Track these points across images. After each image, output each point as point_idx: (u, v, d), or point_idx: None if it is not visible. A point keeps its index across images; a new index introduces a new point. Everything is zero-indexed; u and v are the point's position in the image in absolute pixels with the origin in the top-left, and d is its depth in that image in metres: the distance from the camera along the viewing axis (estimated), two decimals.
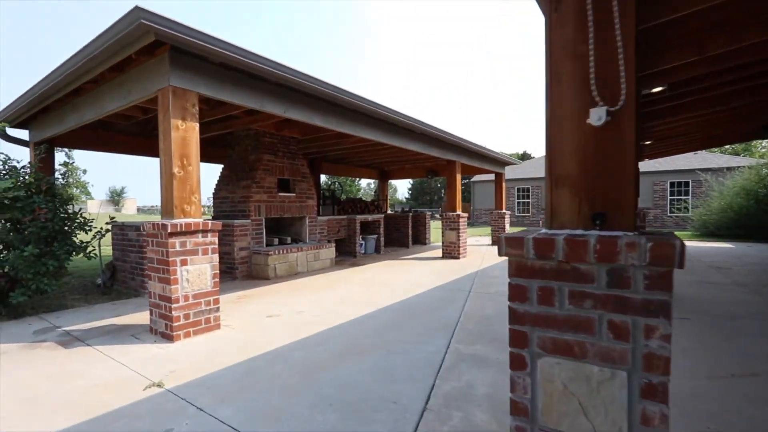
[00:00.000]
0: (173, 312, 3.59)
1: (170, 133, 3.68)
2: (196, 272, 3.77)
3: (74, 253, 4.68)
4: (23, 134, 6.52)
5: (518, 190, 24.16)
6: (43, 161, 6.47)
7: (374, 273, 7.33)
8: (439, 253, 10.26)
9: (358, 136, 6.26)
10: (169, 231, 3.54)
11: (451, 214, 9.29)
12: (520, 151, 51.82)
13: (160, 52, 3.73)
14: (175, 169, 3.70)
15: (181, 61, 3.74)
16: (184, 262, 3.67)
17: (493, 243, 12.61)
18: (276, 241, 7.55)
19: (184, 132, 3.77)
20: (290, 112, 4.97)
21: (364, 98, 5.52)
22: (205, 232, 3.85)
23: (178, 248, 3.63)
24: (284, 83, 4.57)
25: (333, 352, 3.31)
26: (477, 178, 26.16)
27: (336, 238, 9.45)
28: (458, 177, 9.48)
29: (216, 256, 3.96)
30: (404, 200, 52.19)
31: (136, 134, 7.61)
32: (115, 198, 57.62)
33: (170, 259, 3.57)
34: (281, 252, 6.90)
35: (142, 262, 5.53)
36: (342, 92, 5.11)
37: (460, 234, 9.25)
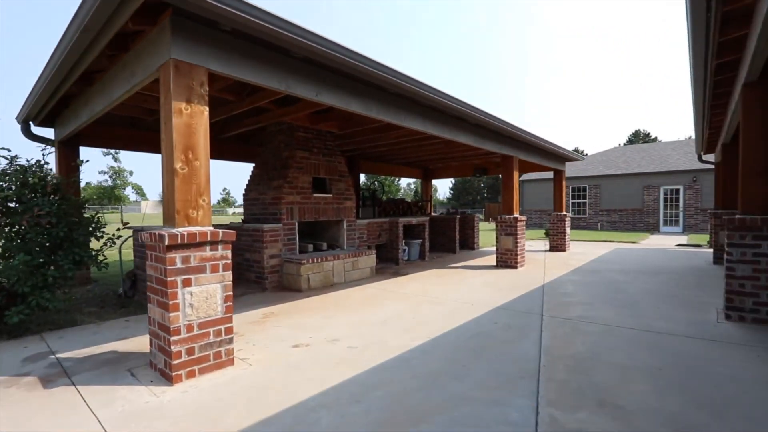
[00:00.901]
0: (172, 346, 2.82)
1: (171, 119, 2.92)
2: (202, 295, 2.99)
3: (81, 262, 4.10)
4: (49, 133, 6.20)
5: (572, 189, 22.12)
6: (64, 160, 6.11)
7: (421, 285, 6.34)
8: (491, 260, 9.07)
9: (403, 126, 5.31)
10: (167, 243, 2.78)
11: (507, 217, 8.10)
12: (570, 148, 48.54)
13: (162, 19, 3.00)
14: (178, 165, 2.94)
15: (186, 28, 2.97)
16: (186, 283, 2.90)
17: (552, 248, 11.19)
18: (310, 247, 6.78)
19: (189, 118, 3.00)
20: (323, 95, 4.12)
21: (410, 78, 4.56)
22: (214, 243, 3.07)
23: (179, 265, 2.86)
24: (313, 58, 3.71)
25: (374, 416, 2.37)
26: (526, 176, 24.33)
27: (377, 243, 8.57)
28: (516, 175, 8.26)
29: (229, 274, 3.17)
30: (445, 200, 50.65)
31: None
32: None
33: (168, 279, 2.81)
34: (315, 260, 6.10)
35: None
36: (384, 69, 4.18)
37: (518, 240, 8.03)
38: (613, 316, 4.46)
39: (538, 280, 6.77)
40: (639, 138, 49.11)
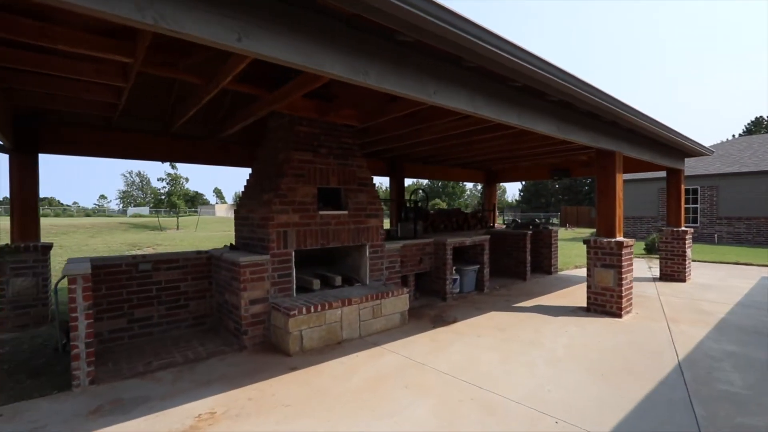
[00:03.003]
0: None
1: None
2: None
3: None
4: None
5: (659, 191, 17.80)
6: (21, 169, 4.96)
7: (469, 352, 4.17)
8: (576, 295, 6.50)
9: (448, 107, 3.23)
10: None
11: (606, 241, 5.53)
12: None
13: None
14: None
15: None
16: None
17: (665, 276, 8.15)
18: (316, 284, 4.94)
19: None
20: (317, 58, 2.24)
21: (468, 20, 2.48)
22: None
23: None
24: None
25: None
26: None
27: (417, 271, 6.50)
28: (619, 179, 5.65)
29: None
30: (514, 202, 46.39)
31: (148, 132, 5.82)
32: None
33: None
34: (313, 309, 4.24)
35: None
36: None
37: (623, 275, 5.42)
38: None
39: (665, 351, 4.20)
40: (762, 127, 40.43)
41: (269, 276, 4.44)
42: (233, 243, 5.34)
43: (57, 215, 44.00)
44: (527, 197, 41.66)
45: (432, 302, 6.34)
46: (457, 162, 9.97)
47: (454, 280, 6.78)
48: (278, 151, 4.92)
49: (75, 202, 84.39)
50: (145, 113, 5.56)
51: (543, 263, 9.15)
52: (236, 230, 5.33)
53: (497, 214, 11.93)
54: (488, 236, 7.29)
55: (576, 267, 10.11)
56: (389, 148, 7.88)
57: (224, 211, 59.22)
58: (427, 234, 7.76)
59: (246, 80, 4.34)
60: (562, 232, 24.10)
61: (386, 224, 10.35)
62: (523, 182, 41.60)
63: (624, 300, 5.46)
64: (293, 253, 4.63)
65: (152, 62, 3.63)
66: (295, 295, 4.66)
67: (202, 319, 4.92)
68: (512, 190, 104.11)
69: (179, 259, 4.75)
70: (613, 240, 5.47)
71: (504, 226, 10.08)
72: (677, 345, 4.35)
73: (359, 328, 4.65)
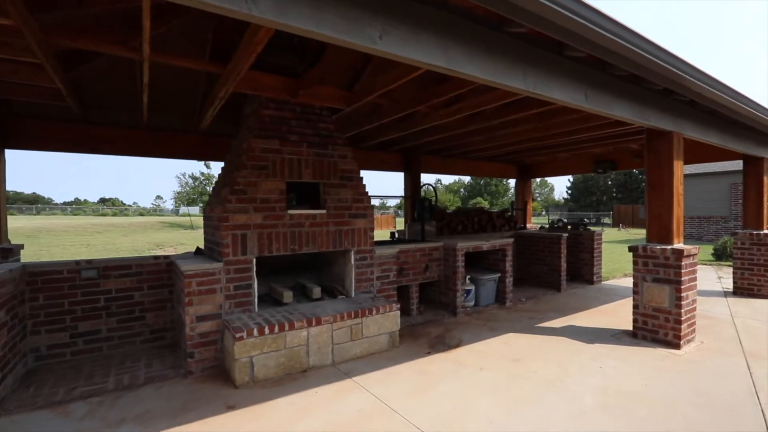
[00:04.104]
0: None
1: None
2: None
3: None
4: None
5: (732, 186, 15.17)
6: None
7: (461, 398, 3.18)
8: (621, 314, 5.20)
9: (453, 72, 2.31)
10: None
11: (659, 249, 4.26)
12: None
13: None
14: None
15: None
16: None
17: (740, 290, 6.55)
18: (288, 295, 4.17)
19: None
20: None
21: None
22: None
23: None
24: None
25: None
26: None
27: (422, 280, 5.55)
28: (678, 167, 4.34)
29: None
30: (563, 201, 43.31)
31: (121, 125, 5.35)
32: None
33: None
34: (268, 330, 3.45)
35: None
36: None
37: (682, 293, 4.13)
38: None
39: (745, 406, 2.96)
40: None
41: (223, 288, 3.71)
42: (200, 247, 4.70)
43: (114, 214, 47.29)
44: (575, 195, 38.54)
45: (439, 318, 5.36)
46: (483, 155, 8.81)
47: (467, 292, 5.73)
48: (242, 140, 4.20)
49: (135, 203, 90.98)
50: (113, 104, 5.08)
51: (583, 271, 7.79)
52: (204, 232, 4.69)
53: (532, 213, 10.58)
54: (512, 240, 6.15)
55: (625, 275, 8.60)
56: (400, 138, 6.96)
57: None
58: (442, 236, 6.77)
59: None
60: (615, 234, 21.76)
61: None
62: (570, 179, 38.52)
63: (684, 325, 4.17)
64: (254, 261, 3.87)
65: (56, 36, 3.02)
66: (256, 310, 3.91)
67: (162, 333, 4.32)
68: (561, 187, 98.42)
69: (132, 265, 4.17)
70: (669, 247, 4.19)
71: (538, 227, 8.79)
72: (762, 396, 3.09)
73: (331, 353, 3.80)
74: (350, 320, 3.91)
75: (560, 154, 8.79)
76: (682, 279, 4.12)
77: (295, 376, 3.54)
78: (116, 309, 4.10)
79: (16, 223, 24.25)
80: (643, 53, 2.98)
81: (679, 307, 4.12)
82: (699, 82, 3.65)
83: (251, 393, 3.23)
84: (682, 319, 4.12)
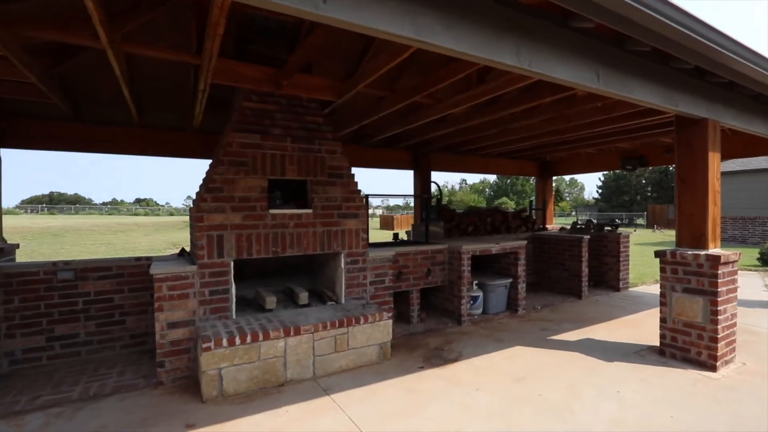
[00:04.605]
0: None
1: None
2: None
3: None
4: None
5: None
6: None
7: (449, 425, 2.78)
8: (648, 326, 4.60)
9: (424, 43, 1.96)
10: None
11: (691, 255, 3.68)
12: None
13: None
14: None
15: None
16: None
17: None
18: (271, 301, 3.88)
19: None
20: None
21: None
22: None
23: None
24: None
25: None
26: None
27: (424, 285, 5.15)
28: (714, 159, 3.75)
29: None
30: (592, 200, 41.43)
31: (116, 123, 5.24)
32: None
33: None
34: (239, 340, 3.17)
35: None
36: None
37: (719, 307, 3.54)
38: None
39: None
40: None
41: (197, 293, 3.46)
42: (185, 249, 4.49)
43: (146, 214, 49.18)
44: (606, 194, 36.68)
45: (441, 327, 4.94)
46: (498, 151, 8.28)
47: (474, 298, 5.28)
48: (224, 135, 3.94)
49: (167, 203, 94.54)
50: (106, 101, 4.97)
51: (608, 276, 7.15)
52: (189, 233, 4.48)
53: (557, 213, 9.92)
54: (524, 242, 5.65)
55: (655, 281, 7.85)
56: (405, 131, 6.59)
57: None
58: (450, 238, 6.35)
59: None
60: (649, 235, 20.44)
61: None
62: (601, 177, 36.68)
63: (721, 344, 3.58)
64: (232, 264, 3.60)
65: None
66: (234, 316, 3.64)
67: (143, 338, 4.13)
68: (591, 186, 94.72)
69: (112, 266, 4.00)
70: (702, 253, 3.61)
71: (558, 229, 8.17)
72: None
73: (312, 365, 3.48)
74: (334, 330, 3.57)
75: (584, 149, 8.13)
76: (719, 290, 3.54)
77: (270, 391, 3.24)
78: (95, 312, 3.94)
79: (51, 222, 25.53)
80: (669, 23, 2.48)
81: (715, 322, 3.54)
82: (741, 60, 3.08)
83: (217, 410, 2.95)
84: (719, 336, 3.54)
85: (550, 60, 2.46)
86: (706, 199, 3.68)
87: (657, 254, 3.97)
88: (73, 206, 57.21)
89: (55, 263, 3.81)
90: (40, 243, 14.15)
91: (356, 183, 4.25)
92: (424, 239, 5.67)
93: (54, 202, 78.50)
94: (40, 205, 59.20)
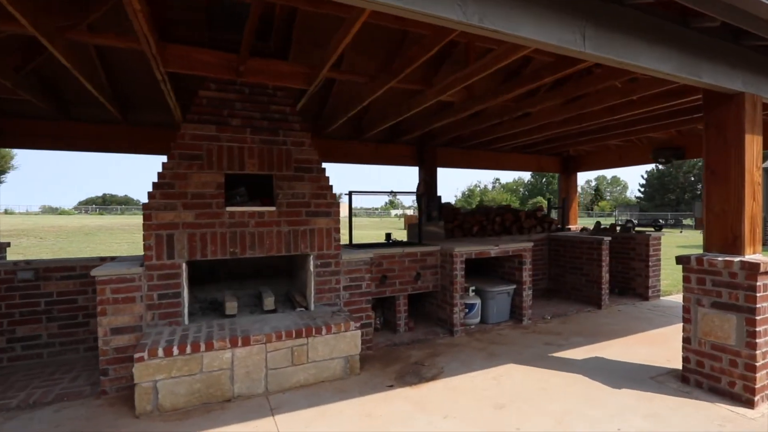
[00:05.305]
0: None
1: None
2: None
3: None
4: None
5: None
6: None
7: None
8: (674, 345, 3.82)
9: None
10: None
11: (721, 262, 3.00)
12: None
13: None
14: None
15: None
16: None
17: None
18: (232, 306, 3.57)
19: None
20: None
21: None
22: None
23: None
24: None
25: None
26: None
27: (414, 291, 4.68)
28: (753, 143, 3.03)
29: None
30: (634, 200, 38.71)
31: (108, 121, 5.17)
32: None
33: None
34: (178, 350, 2.87)
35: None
36: None
37: (757, 328, 2.84)
38: None
39: None
40: None
41: (144, 296, 3.21)
42: None
43: None
44: (650, 193, 34.04)
45: (430, 337, 4.46)
46: (512, 145, 7.61)
47: (470, 306, 4.75)
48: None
49: None
50: (90, 98, 4.90)
51: (635, 283, 6.33)
52: None
53: (577, 212, 9.07)
54: (530, 244, 5.03)
55: None
56: (406, 126, 6.17)
57: None
58: (453, 239, 5.84)
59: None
60: (697, 237, 18.62)
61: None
62: (644, 174, 34.04)
63: (761, 373, 2.87)
64: (184, 266, 3.32)
65: None
66: (186, 322, 3.36)
67: None
68: (634, 184, 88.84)
69: (76, 266, 3.85)
70: (736, 260, 2.92)
71: (579, 229, 7.39)
72: None
73: (265, 379, 3.13)
74: (290, 340, 3.21)
75: (609, 140, 7.29)
76: (758, 306, 2.84)
77: (213, 407, 2.92)
78: (57, 313, 3.80)
79: (97, 221, 27.09)
80: None
81: (753, 346, 2.84)
82: None
83: (147, 427, 2.66)
84: (758, 364, 2.84)
85: (512, 14, 1.95)
86: (742, 193, 2.98)
87: (679, 260, 3.29)
88: (119, 207, 60.90)
89: (16, 263, 3.70)
90: (71, 241, 14.89)
91: (327, 178, 3.86)
92: (418, 240, 5.19)
93: (106, 203, 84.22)
94: (92, 206, 63.63)
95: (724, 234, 3.08)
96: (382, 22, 3.18)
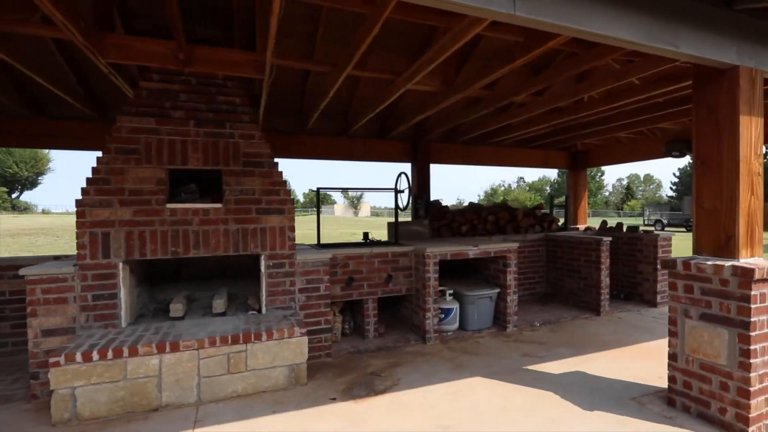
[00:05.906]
0: None
1: None
2: None
3: None
4: None
5: None
6: None
7: None
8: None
9: None
10: None
11: (710, 266, 2.54)
12: None
13: None
14: None
15: None
16: None
17: None
18: (177, 308, 3.40)
19: None
20: None
21: None
22: None
23: None
24: None
25: None
26: None
27: (384, 294, 4.38)
28: (752, 125, 2.56)
29: None
30: (665, 198, 36.65)
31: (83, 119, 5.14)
32: (354, 202, 66.84)
33: None
34: (98, 355, 2.70)
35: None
36: None
37: (751, 346, 2.37)
38: None
39: None
40: None
41: (77, 297, 3.07)
42: None
43: None
44: (682, 191, 32.06)
45: (401, 344, 4.14)
46: (512, 139, 7.15)
47: (446, 311, 4.40)
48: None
49: None
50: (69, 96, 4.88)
51: (642, 288, 5.77)
52: None
53: (586, 210, 8.46)
54: (515, 245, 4.62)
55: None
56: (399, 120, 5.86)
57: (341, 211, 62.66)
58: (439, 239, 5.51)
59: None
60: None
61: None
62: (676, 171, 32.01)
63: (756, 400, 2.41)
64: (121, 266, 3.16)
65: None
66: (124, 324, 3.20)
67: None
68: (666, 182, 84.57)
69: (29, 265, 3.77)
70: (728, 264, 2.46)
71: (583, 228, 6.84)
72: None
73: (197, 388, 2.92)
74: (227, 347, 2.98)
75: (618, 132, 6.70)
76: (752, 320, 2.37)
77: (136, 417, 2.73)
78: (10, 313, 3.75)
79: None
80: None
81: (747, 368, 2.38)
82: None
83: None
84: (752, 389, 2.38)
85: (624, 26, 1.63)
86: (736, 186, 2.52)
87: (665, 264, 2.84)
88: None
89: None
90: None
91: (280, 173, 3.62)
92: (394, 239, 4.88)
93: None
94: None
95: (716, 234, 2.62)
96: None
